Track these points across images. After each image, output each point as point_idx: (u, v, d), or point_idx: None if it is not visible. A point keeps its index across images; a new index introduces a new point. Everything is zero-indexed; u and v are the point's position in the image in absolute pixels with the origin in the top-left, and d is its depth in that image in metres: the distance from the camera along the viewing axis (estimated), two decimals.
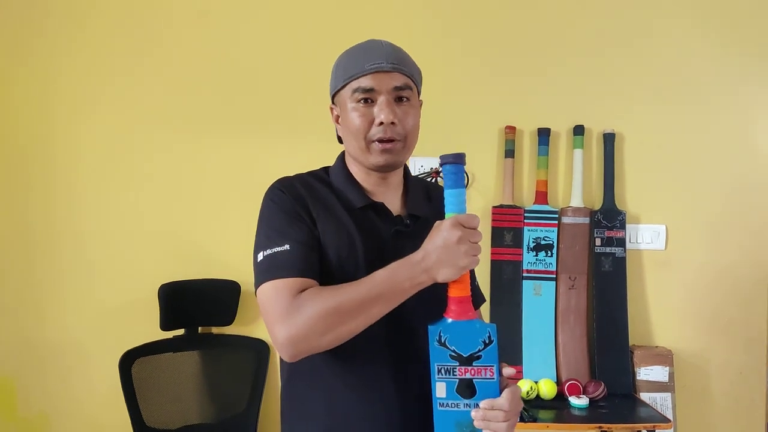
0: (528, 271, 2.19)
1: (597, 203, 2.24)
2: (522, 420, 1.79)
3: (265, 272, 0.97)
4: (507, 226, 2.20)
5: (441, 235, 0.89)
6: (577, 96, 2.24)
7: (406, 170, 1.15)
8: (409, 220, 1.07)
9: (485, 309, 2.21)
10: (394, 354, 1.01)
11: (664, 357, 2.14)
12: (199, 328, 2.13)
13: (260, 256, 0.99)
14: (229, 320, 2.12)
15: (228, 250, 2.19)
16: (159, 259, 2.17)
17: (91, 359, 2.16)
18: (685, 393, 2.20)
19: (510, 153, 2.21)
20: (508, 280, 2.19)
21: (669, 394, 2.12)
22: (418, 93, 1.10)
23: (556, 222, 2.20)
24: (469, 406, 0.90)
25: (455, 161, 0.90)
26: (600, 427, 1.93)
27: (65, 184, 2.19)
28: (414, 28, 2.22)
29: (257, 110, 2.21)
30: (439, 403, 0.91)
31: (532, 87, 2.24)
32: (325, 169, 1.14)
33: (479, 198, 2.22)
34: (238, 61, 2.21)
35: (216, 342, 2.14)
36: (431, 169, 2.16)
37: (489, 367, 0.90)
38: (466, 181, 0.89)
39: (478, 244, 0.90)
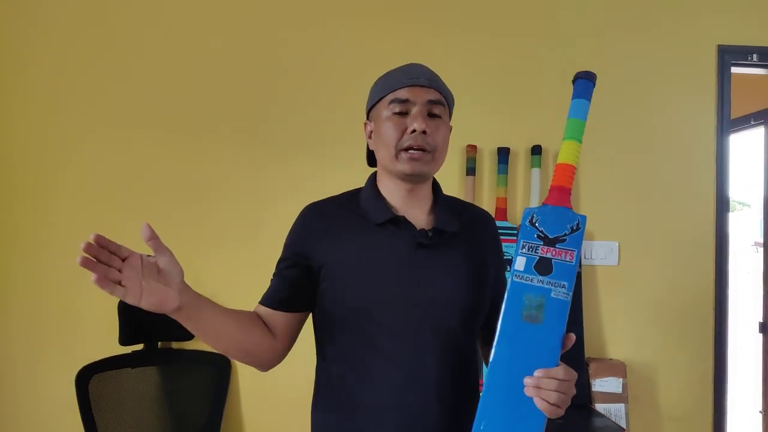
0: None
1: None
2: None
3: None
4: None
5: None
6: (535, 117, 2.33)
7: (436, 186, 1.18)
8: (432, 233, 1.08)
9: None
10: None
11: (617, 368, 2.22)
12: (159, 343, 2.10)
13: None
14: (189, 335, 2.07)
15: (191, 263, 2.15)
16: None
17: (44, 375, 2.10)
18: (637, 403, 2.28)
19: (471, 171, 2.27)
20: None
21: (622, 404, 2.19)
22: (449, 117, 1.15)
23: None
24: (542, 283, 0.94)
25: (586, 77, 1.05)
26: None
27: (23, 188, 2.14)
28: (380, 48, 2.28)
29: (223, 116, 2.22)
30: (515, 275, 0.95)
31: (493, 108, 2.32)
32: (358, 189, 1.18)
33: None
34: (205, 64, 2.22)
35: (176, 357, 2.11)
36: None
37: (570, 251, 0.94)
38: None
39: None
